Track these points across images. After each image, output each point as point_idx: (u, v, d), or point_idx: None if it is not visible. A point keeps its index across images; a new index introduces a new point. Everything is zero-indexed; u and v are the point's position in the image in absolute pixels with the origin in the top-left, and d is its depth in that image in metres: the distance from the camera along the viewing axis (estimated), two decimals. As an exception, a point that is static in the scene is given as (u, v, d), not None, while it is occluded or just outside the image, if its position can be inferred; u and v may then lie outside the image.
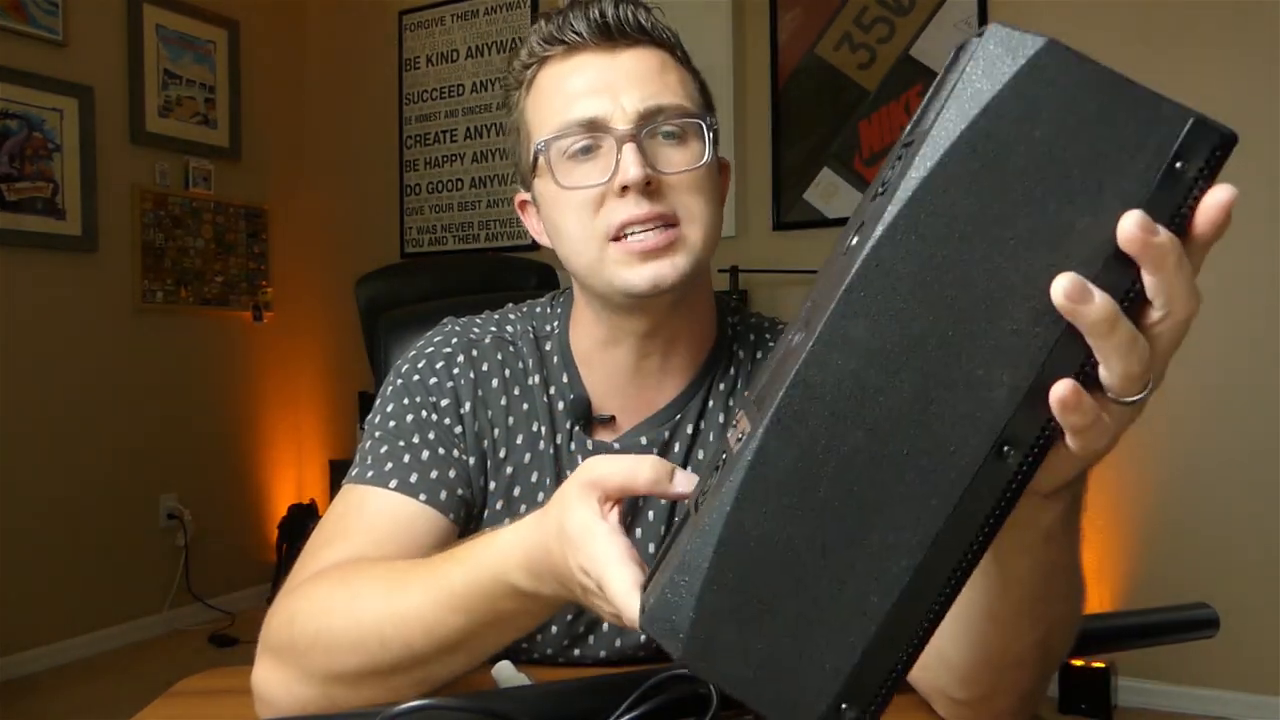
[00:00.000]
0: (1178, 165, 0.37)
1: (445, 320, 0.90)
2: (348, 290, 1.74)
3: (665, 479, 0.53)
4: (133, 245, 3.35)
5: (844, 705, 0.39)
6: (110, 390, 3.27)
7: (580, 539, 0.53)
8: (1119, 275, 0.38)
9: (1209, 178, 0.37)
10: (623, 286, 0.75)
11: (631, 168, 0.72)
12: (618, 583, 0.49)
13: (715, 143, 0.80)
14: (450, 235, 3.71)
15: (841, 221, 2.96)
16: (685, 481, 0.53)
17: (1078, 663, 2.48)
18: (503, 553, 0.60)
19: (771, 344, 0.89)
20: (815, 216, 2.99)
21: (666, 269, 0.74)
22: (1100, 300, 0.37)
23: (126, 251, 3.34)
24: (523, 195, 0.86)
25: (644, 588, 0.47)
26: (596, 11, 0.75)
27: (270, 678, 0.69)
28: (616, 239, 0.74)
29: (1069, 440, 0.40)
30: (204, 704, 0.79)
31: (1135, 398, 0.40)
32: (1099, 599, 2.63)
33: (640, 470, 0.53)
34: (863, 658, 0.39)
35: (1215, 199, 0.37)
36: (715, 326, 0.87)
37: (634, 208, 0.73)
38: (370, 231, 3.87)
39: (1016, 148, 0.38)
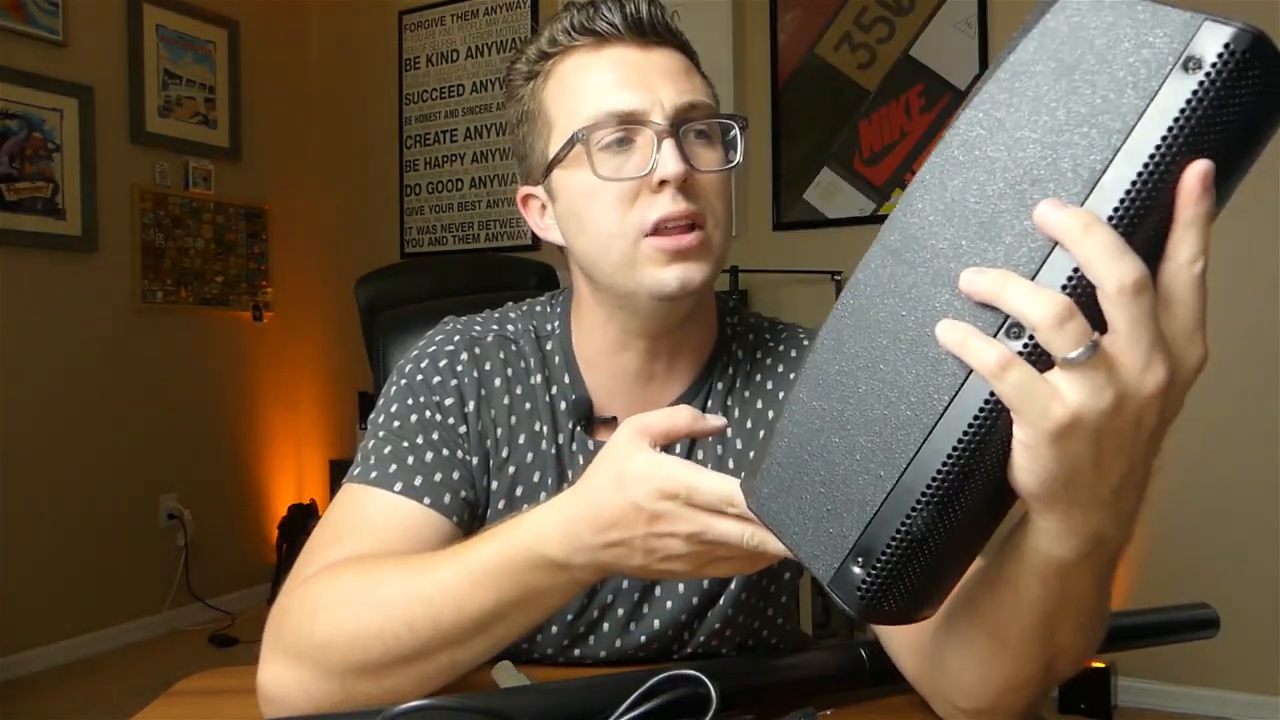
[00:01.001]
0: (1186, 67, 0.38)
1: (446, 319, 0.90)
2: (348, 290, 1.74)
3: (699, 418, 0.60)
4: (133, 245, 3.35)
5: (856, 560, 0.45)
6: (110, 390, 3.27)
7: (649, 472, 0.57)
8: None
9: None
10: (656, 287, 0.74)
11: (672, 163, 0.71)
12: (712, 479, 0.55)
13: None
14: (450, 235, 3.71)
15: (842, 221, 2.96)
16: (715, 418, 0.60)
17: (1078, 663, 2.47)
18: (537, 526, 0.61)
19: (771, 343, 0.89)
20: (815, 216, 2.99)
21: (695, 271, 0.74)
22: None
23: (126, 251, 3.34)
24: (527, 190, 0.84)
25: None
26: (633, 6, 0.76)
27: (285, 677, 0.67)
28: (651, 234, 0.73)
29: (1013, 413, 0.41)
30: (204, 704, 0.79)
31: (1074, 352, 0.38)
32: (1099, 599, 2.63)
33: (679, 414, 0.59)
34: (869, 525, 0.45)
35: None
36: (715, 329, 0.88)
37: (670, 204, 0.72)
38: (370, 231, 3.87)
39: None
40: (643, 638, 0.84)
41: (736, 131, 0.77)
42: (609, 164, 0.74)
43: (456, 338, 0.86)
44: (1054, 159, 0.41)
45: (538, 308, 0.90)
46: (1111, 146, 0.39)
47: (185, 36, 3.56)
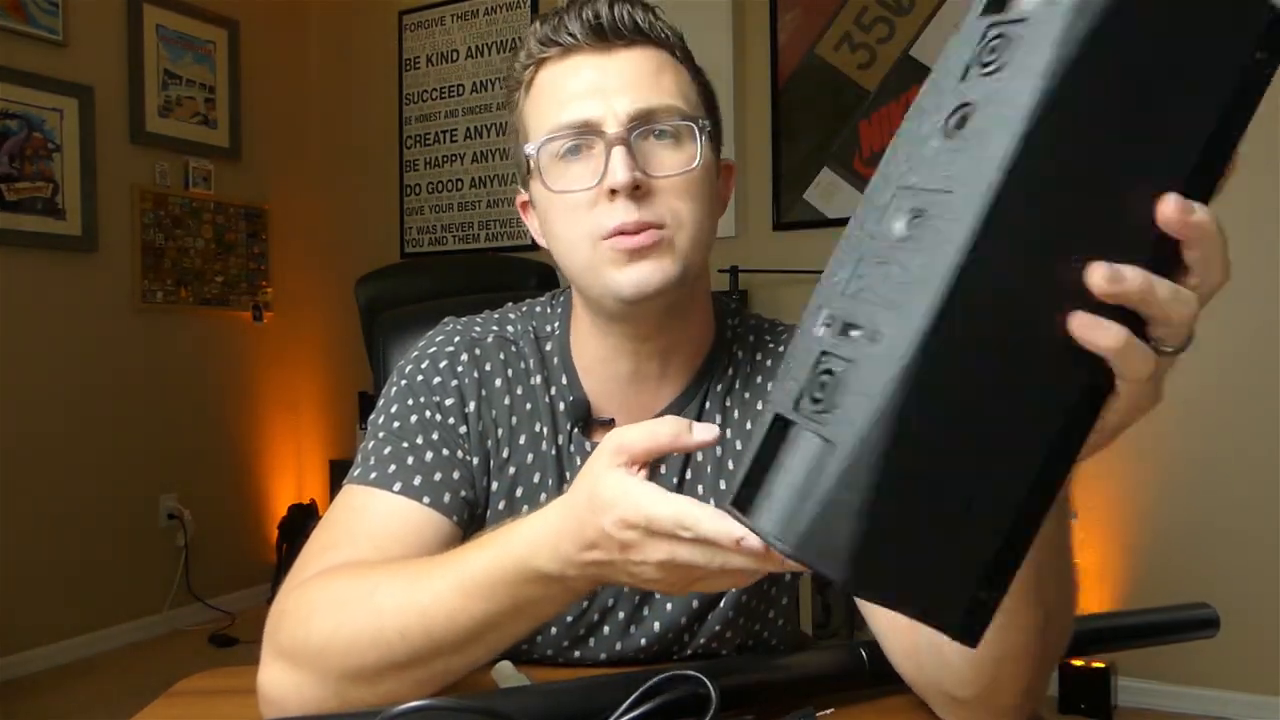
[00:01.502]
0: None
1: (446, 320, 0.90)
2: (348, 290, 1.74)
3: (685, 432, 0.55)
4: (133, 245, 3.35)
5: (981, 592, 0.41)
6: (110, 390, 3.27)
7: (614, 499, 0.54)
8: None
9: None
10: (613, 288, 0.74)
11: (619, 171, 0.71)
12: (665, 505, 0.51)
13: (716, 144, 0.80)
14: (450, 235, 3.71)
15: (842, 221, 2.96)
16: (704, 431, 0.55)
17: (1078, 663, 2.48)
18: (527, 539, 0.60)
19: (771, 345, 0.88)
20: (815, 216, 2.99)
21: (653, 271, 0.73)
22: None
23: (126, 251, 3.34)
24: (524, 196, 0.86)
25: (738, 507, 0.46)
26: (591, 12, 0.75)
27: (282, 680, 0.67)
28: (608, 237, 0.74)
29: (1119, 386, 0.42)
30: (204, 704, 0.79)
31: (1181, 344, 0.42)
32: (1100, 599, 2.63)
33: (659, 429, 0.55)
34: (997, 551, 0.41)
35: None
36: (713, 330, 0.87)
37: (623, 214, 0.72)
38: (370, 231, 3.87)
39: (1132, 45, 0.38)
40: (642, 640, 0.84)
41: (696, 131, 0.75)
42: (565, 175, 0.75)
43: (457, 338, 0.86)
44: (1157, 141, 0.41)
45: (537, 308, 0.91)
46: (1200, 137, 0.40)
47: (185, 36, 3.56)
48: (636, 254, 0.73)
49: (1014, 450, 0.41)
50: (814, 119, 3.01)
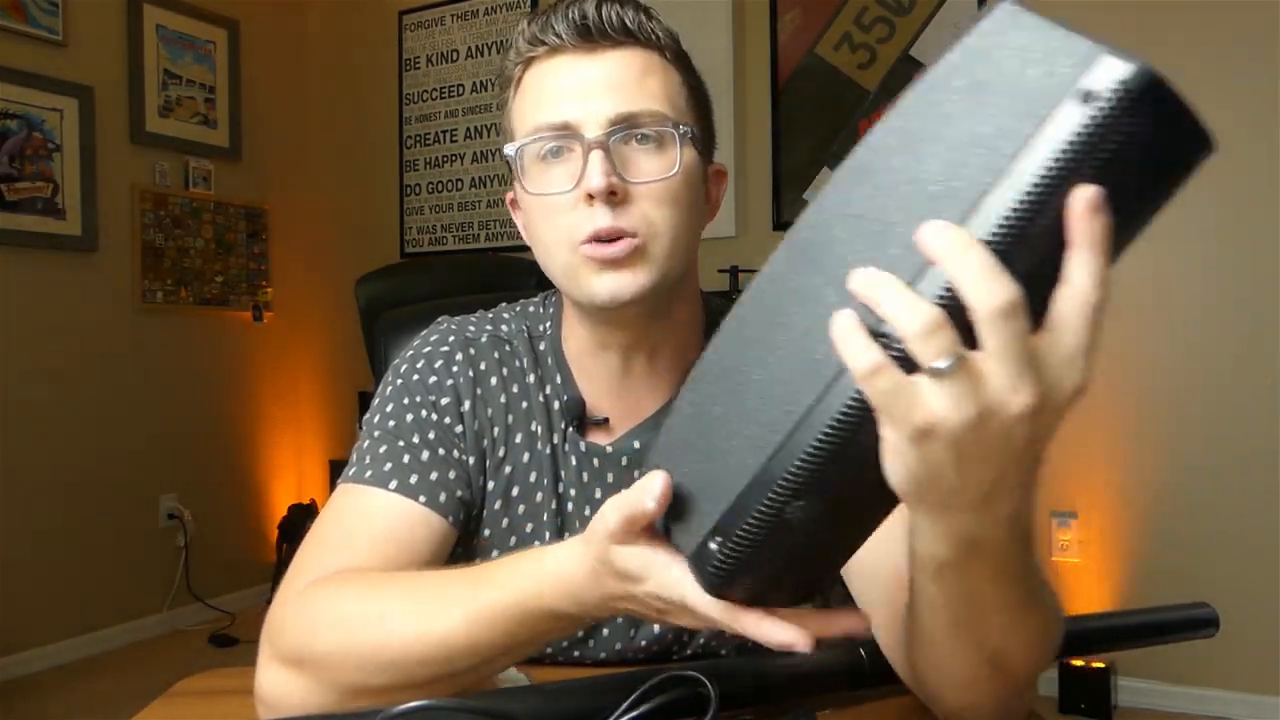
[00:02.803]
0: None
1: (440, 319, 0.89)
2: (348, 290, 1.74)
3: (668, 488, 0.54)
4: (133, 245, 3.35)
5: (715, 538, 0.48)
6: (110, 390, 3.27)
7: (644, 573, 0.55)
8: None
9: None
10: (589, 294, 0.74)
11: (595, 176, 0.70)
12: (696, 597, 0.53)
13: (704, 149, 0.79)
14: (450, 235, 3.71)
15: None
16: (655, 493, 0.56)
17: (1078, 663, 2.48)
18: (541, 583, 0.60)
19: None
20: (815, 216, 2.99)
21: (627, 282, 0.72)
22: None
23: (126, 251, 3.34)
24: (513, 195, 0.84)
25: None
26: (578, 12, 0.74)
27: (284, 685, 0.67)
28: (586, 242, 0.73)
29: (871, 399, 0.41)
30: (203, 704, 0.79)
31: (937, 363, 0.39)
32: (1099, 600, 2.63)
33: (643, 500, 0.54)
34: (731, 507, 0.47)
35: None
36: (704, 328, 0.86)
37: (598, 220, 0.71)
38: (370, 231, 3.87)
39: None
40: (643, 641, 0.84)
41: (672, 136, 0.74)
42: (545, 177, 0.75)
43: (451, 338, 0.86)
44: (950, 177, 0.40)
45: (530, 308, 0.90)
46: (999, 170, 0.38)
47: (185, 36, 3.56)
48: (611, 263, 0.72)
49: (760, 419, 0.46)
50: (814, 119, 3.01)
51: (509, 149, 0.76)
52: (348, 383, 3.66)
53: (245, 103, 3.79)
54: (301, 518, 3.56)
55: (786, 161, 3.04)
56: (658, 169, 0.73)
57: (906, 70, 2.86)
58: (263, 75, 3.87)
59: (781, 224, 3.04)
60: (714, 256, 2.88)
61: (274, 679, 0.68)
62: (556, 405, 0.84)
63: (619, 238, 0.72)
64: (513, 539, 0.83)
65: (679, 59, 0.79)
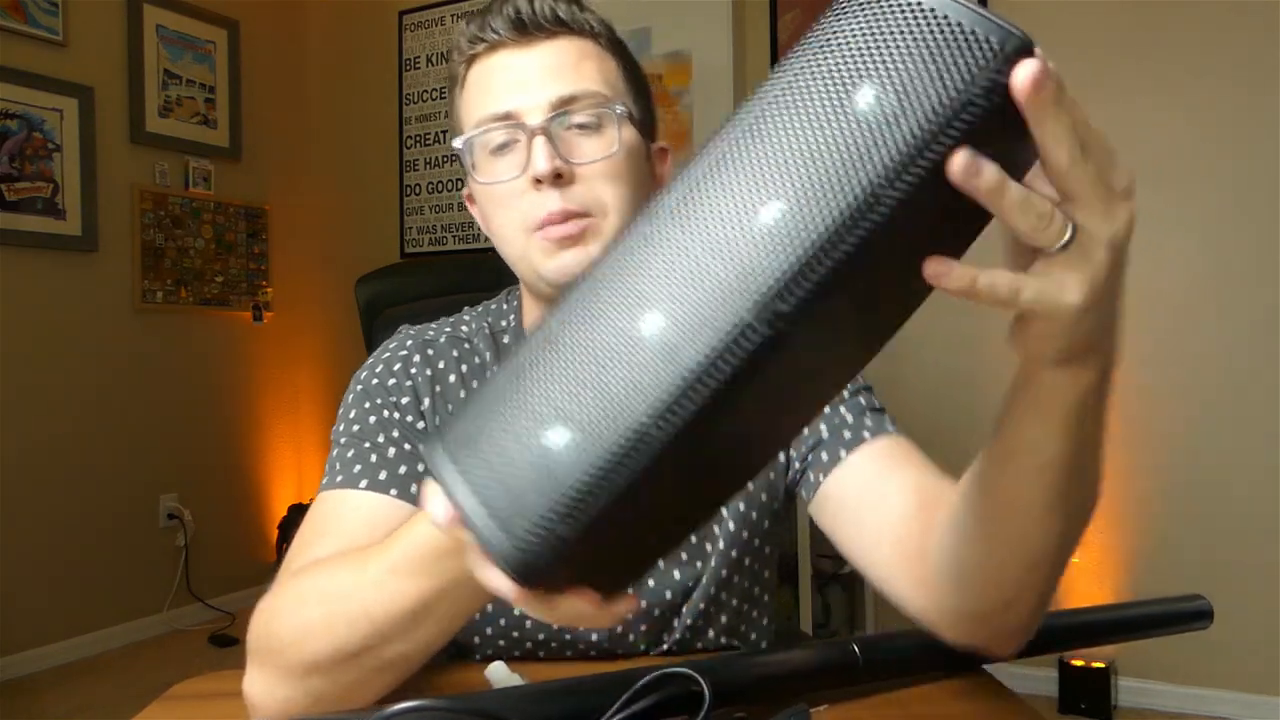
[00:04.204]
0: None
1: (400, 328, 0.92)
2: (348, 290, 1.74)
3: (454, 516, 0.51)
4: (133, 245, 3.36)
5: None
6: (110, 390, 3.27)
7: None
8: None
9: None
10: (545, 275, 0.77)
11: (541, 161, 0.73)
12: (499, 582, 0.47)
13: (646, 130, 0.82)
14: (450, 235, 3.71)
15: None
16: None
17: (1078, 663, 2.48)
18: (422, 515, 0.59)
19: None
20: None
21: (579, 257, 0.75)
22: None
23: (126, 251, 3.34)
24: (469, 190, 0.87)
25: None
26: (512, 8, 0.77)
27: (254, 681, 0.68)
28: (539, 228, 0.76)
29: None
30: (201, 707, 0.79)
31: (1061, 242, 0.41)
32: (1099, 599, 2.63)
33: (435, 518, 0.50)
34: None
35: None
36: None
37: (548, 203, 0.74)
38: (370, 231, 3.87)
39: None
40: (630, 617, 0.84)
41: (611, 117, 0.77)
42: (494, 167, 0.78)
43: (409, 342, 0.89)
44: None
45: (492, 306, 0.93)
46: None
47: (185, 36, 3.56)
48: (565, 242, 0.75)
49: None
50: (813, 119, 3.00)
51: (457, 143, 0.79)
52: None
53: (245, 103, 3.79)
54: (301, 518, 3.56)
55: (786, 161, 3.04)
56: (600, 148, 0.76)
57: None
58: (263, 75, 3.87)
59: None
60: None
61: (248, 678, 0.68)
62: None
63: (570, 219, 0.74)
64: None
65: (614, 45, 0.82)
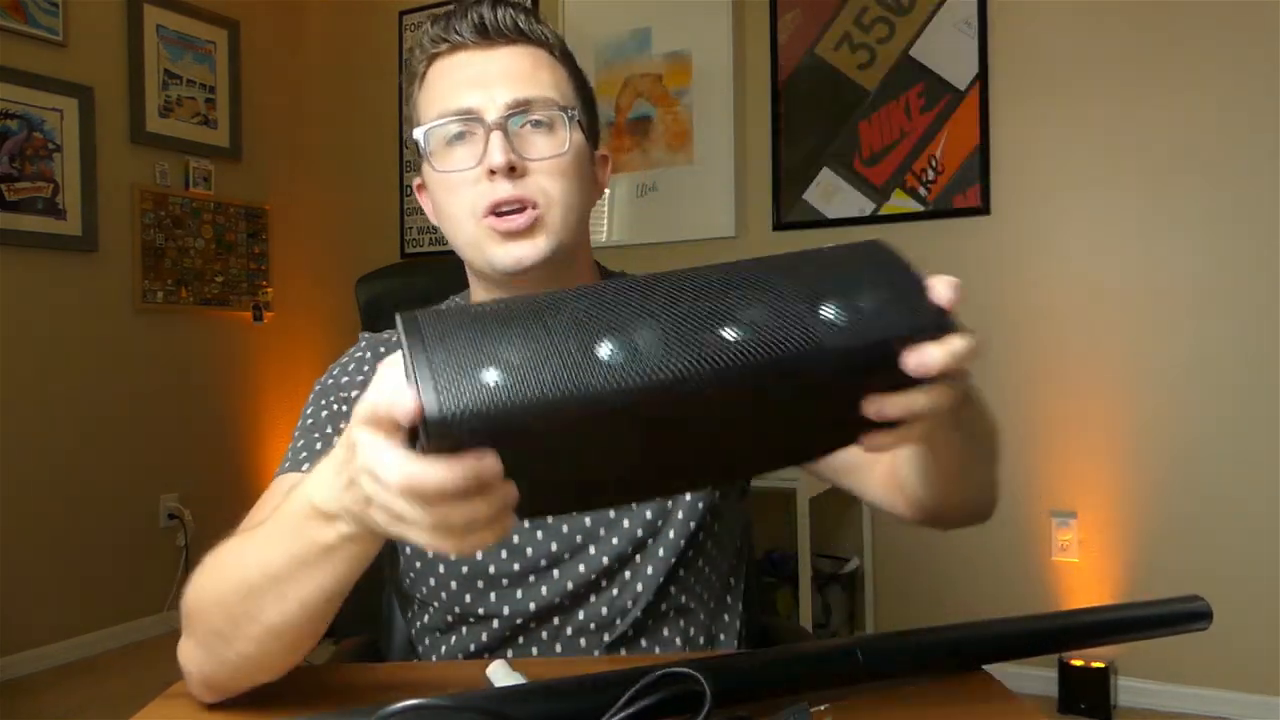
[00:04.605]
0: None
1: (360, 334, 1.00)
2: (348, 290, 1.74)
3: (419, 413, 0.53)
4: (133, 245, 3.36)
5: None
6: (110, 390, 3.28)
7: (365, 446, 0.51)
8: None
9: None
10: (495, 262, 0.83)
11: (496, 153, 0.80)
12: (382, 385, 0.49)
13: (590, 135, 0.89)
14: (450, 235, 3.71)
15: (842, 222, 2.96)
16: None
17: (1078, 663, 2.48)
18: (312, 474, 0.60)
19: None
20: (815, 216, 2.99)
21: (528, 249, 0.82)
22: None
23: (126, 251, 3.34)
24: (419, 180, 0.93)
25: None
26: (476, 15, 0.84)
27: (181, 649, 0.71)
28: (487, 216, 0.82)
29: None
30: (201, 706, 0.79)
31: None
32: (1098, 599, 2.63)
33: (393, 411, 0.49)
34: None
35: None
36: None
37: (500, 191, 0.81)
38: (370, 231, 3.87)
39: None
40: (569, 584, 0.87)
41: (563, 120, 0.84)
42: (451, 157, 0.84)
43: (363, 343, 0.96)
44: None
45: (441, 306, 0.95)
46: None
47: (185, 36, 3.56)
48: (515, 235, 0.82)
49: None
50: (814, 119, 3.01)
51: (417, 133, 0.85)
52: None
53: (245, 103, 3.79)
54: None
55: (786, 161, 3.04)
56: (551, 147, 0.83)
57: (906, 70, 2.86)
58: (263, 75, 3.88)
59: (781, 224, 3.05)
60: (714, 256, 2.88)
61: (179, 648, 0.71)
62: None
63: (521, 208, 0.81)
64: None
65: (565, 57, 0.90)
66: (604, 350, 0.46)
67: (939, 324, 0.52)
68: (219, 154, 3.68)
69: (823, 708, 0.64)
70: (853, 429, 0.55)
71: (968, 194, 2.77)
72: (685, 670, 0.59)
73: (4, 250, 2.98)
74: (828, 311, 0.50)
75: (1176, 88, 2.51)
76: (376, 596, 1.18)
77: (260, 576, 0.63)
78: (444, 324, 0.48)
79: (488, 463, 0.45)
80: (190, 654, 0.70)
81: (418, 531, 0.50)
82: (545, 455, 0.49)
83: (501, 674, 0.73)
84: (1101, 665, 2.47)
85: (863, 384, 0.52)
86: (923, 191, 2.83)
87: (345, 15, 3.96)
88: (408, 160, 3.80)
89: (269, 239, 3.87)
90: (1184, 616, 0.76)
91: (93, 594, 3.18)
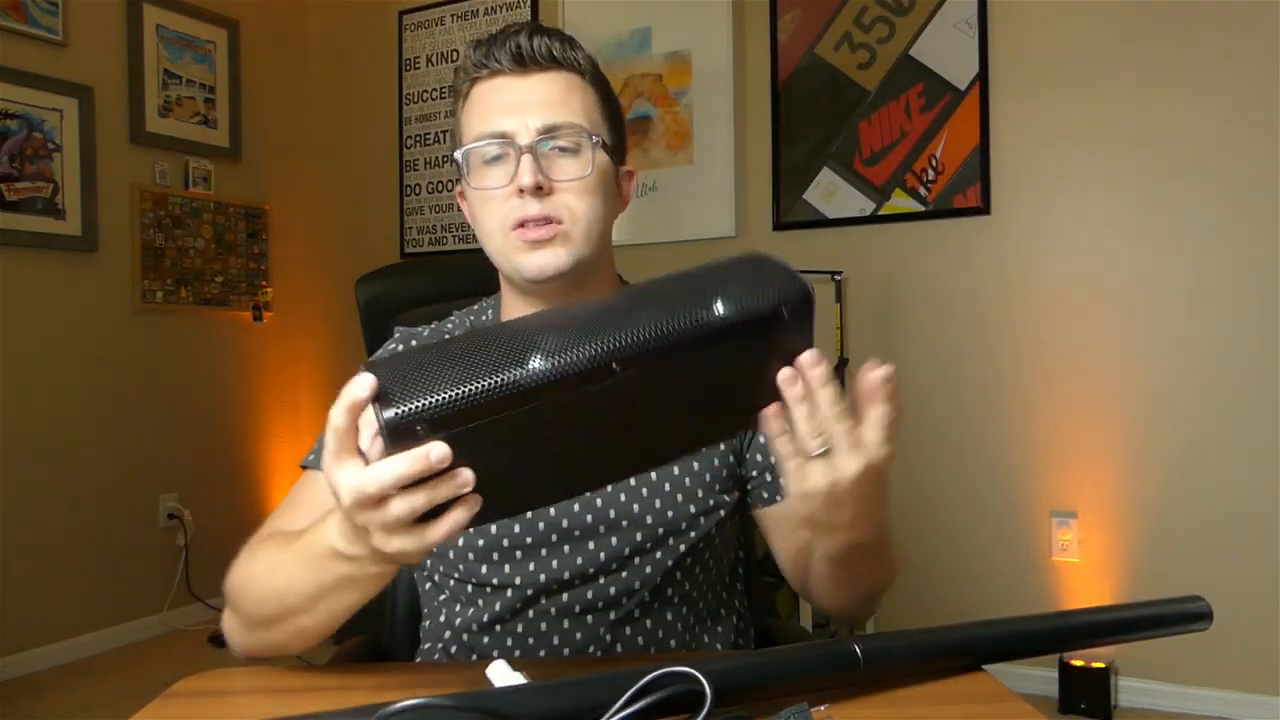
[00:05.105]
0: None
1: (395, 328, 1.08)
2: (348, 290, 1.74)
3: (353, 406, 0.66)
4: (133, 245, 3.36)
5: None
6: (110, 390, 3.28)
7: (336, 489, 0.62)
8: None
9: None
10: (519, 270, 0.91)
11: (526, 175, 0.88)
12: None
13: (616, 154, 0.97)
14: (450, 235, 3.71)
15: (842, 221, 2.96)
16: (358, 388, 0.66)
17: (1078, 663, 2.48)
18: (326, 520, 0.69)
19: None
20: (815, 216, 2.99)
21: (550, 258, 0.90)
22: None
23: (126, 251, 3.34)
24: (461, 187, 1.00)
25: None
26: (514, 44, 0.91)
27: (226, 619, 0.85)
28: (515, 229, 0.90)
29: None
30: (202, 704, 0.78)
31: (816, 451, 0.63)
32: (1098, 599, 2.63)
33: (354, 390, 0.64)
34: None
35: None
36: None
37: (527, 208, 0.89)
38: (370, 231, 3.87)
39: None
40: (579, 559, 0.93)
41: (588, 144, 0.91)
42: (486, 175, 0.92)
43: (398, 335, 1.05)
44: None
45: (474, 306, 1.07)
46: None
47: (185, 36, 3.56)
48: (537, 244, 0.90)
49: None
50: (814, 119, 3.01)
51: (458, 153, 0.94)
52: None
53: (245, 103, 3.79)
54: (301, 518, 3.57)
55: (786, 161, 3.04)
56: (575, 169, 0.91)
57: (907, 70, 2.86)
58: (263, 75, 3.88)
59: (781, 224, 3.05)
60: (714, 256, 2.87)
61: (224, 618, 0.85)
62: None
63: (546, 222, 0.89)
64: None
65: (596, 80, 0.97)
66: (533, 360, 0.56)
67: (804, 296, 0.59)
68: (219, 154, 3.68)
69: (823, 708, 0.64)
70: (747, 407, 0.63)
71: (968, 194, 2.77)
72: (685, 670, 0.59)
73: (4, 250, 2.98)
74: (710, 298, 0.58)
75: (1177, 88, 2.51)
76: (376, 597, 1.18)
77: (290, 593, 0.74)
78: (397, 358, 0.60)
79: (437, 447, 0.55)
80: (233, 628, 0.84)
81: (401, 536, 0.60)
82: (488, 446, 0.57)
83: (501, 674, 0.73)
84: (1101, 665, 2.47)
85: (749, 357, 0.60)
86: (923, 191, 2.83)
87: (345, 15, 3.96)
88: (408, 160, 3.80)
89: (269, 239, 3.87)
90: (1184, 616, 0.76)
91: (93, 594, 3.18)
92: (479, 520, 0.60)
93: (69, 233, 3.15)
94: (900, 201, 2.87)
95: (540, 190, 0.89)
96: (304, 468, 1.01)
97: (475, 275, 1.82)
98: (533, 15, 3.53)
